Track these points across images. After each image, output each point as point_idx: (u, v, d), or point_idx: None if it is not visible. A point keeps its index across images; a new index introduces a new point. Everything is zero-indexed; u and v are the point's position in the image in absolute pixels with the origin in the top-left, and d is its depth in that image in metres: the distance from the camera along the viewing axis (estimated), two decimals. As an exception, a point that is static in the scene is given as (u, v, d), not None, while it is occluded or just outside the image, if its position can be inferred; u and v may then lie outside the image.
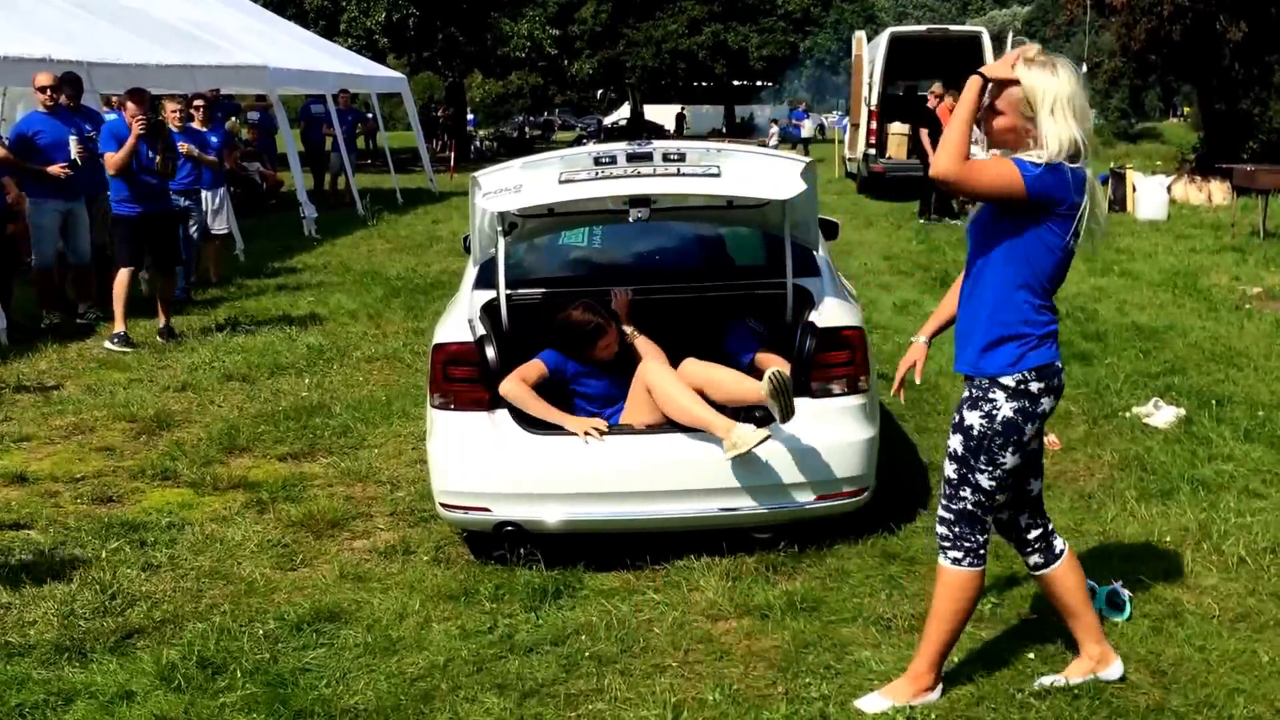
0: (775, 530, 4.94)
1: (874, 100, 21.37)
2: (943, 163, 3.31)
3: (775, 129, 35.71)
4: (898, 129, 21.15)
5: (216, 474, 6.14)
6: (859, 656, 4.08)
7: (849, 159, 25.45)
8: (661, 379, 4.86)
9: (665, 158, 4.78)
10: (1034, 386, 3.48)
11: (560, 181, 4.73)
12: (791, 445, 4.79)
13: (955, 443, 3.58)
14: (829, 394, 4.86)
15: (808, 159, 5.09)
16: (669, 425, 4.88)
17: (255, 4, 23.20)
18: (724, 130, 55.02)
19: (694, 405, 4.76)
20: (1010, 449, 3.51)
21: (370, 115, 23.02)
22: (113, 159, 8.85)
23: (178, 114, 10.60)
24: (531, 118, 56.25)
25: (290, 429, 6.92)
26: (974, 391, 3.55)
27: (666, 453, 4.81)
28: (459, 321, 5.06)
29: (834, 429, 4.85)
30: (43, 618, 4.46)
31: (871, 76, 21.52)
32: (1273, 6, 27.05)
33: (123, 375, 8.24)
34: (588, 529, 4.89)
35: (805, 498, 4.83)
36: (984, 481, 3.54)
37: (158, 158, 9.03)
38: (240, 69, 15.15)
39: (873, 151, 21.48)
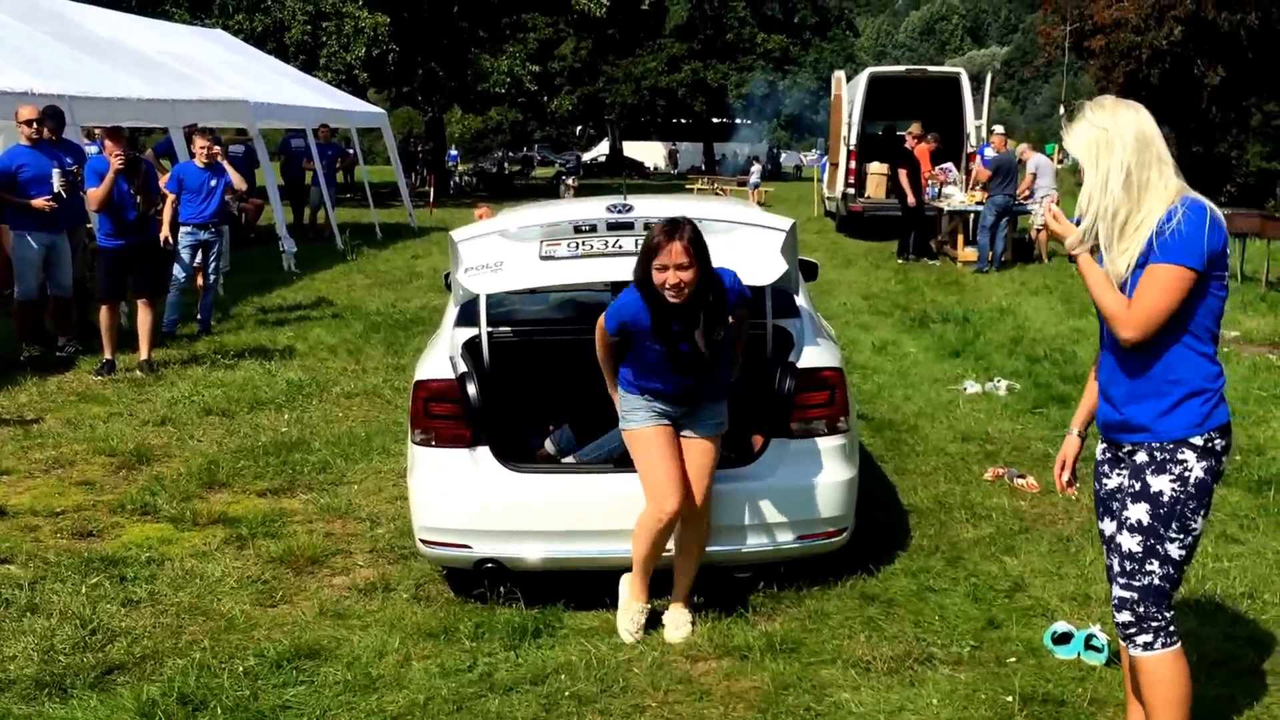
0: (755, 570, 5.00)
1: (853, 140, 21.59)
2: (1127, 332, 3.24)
3: (756, 167, 35.93)
4: (876, 169, 21.38)
5: (196, 509, 6.15)
6: (839, 698, 4.14)
7: (828, 198, 25.69)
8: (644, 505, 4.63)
9: (647, 227, 4.80)
10: (1218, 444, 3.32)
11: (541, 258, 4.77)
12: (772, 485, 4.86)
13: (1138, 513, 3.34)
14: (809, 434, 4.93)
15: (790, 224, 5.09)
16: None
17: (235, 38, 23.35)
18: (702, 168, 55.42)
19: (640, 563, 4.68)
20: (1202, 512, 3.33)
21: (350, 150, 23.13)
22: (93, 195, 8.93)
23: (205, 150, 10.74)
24: (510, 153, 56.50)
25: (270, 464, 6.94)
26: (1156, 455, 3.33)
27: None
28: (441, 359, 5.10)
29: (814, 469, 4.91)
30: (23, 653, 4.47)
31: (850, 116, 21.73)
32: (1250, 51, 27.65)
33: (102, 409, 8.24)
34: (568, 567, 4.93)
35: (785, 538, 4.89)
36: (1174, 551, 3.33)
37: (137, 195, 9.08)
38: (221, 103, 15.22)
39: (852, 191, 21.71)
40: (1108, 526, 3.56)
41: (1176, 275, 3.17)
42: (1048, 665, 4.38)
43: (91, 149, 11.05)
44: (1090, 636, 4.43)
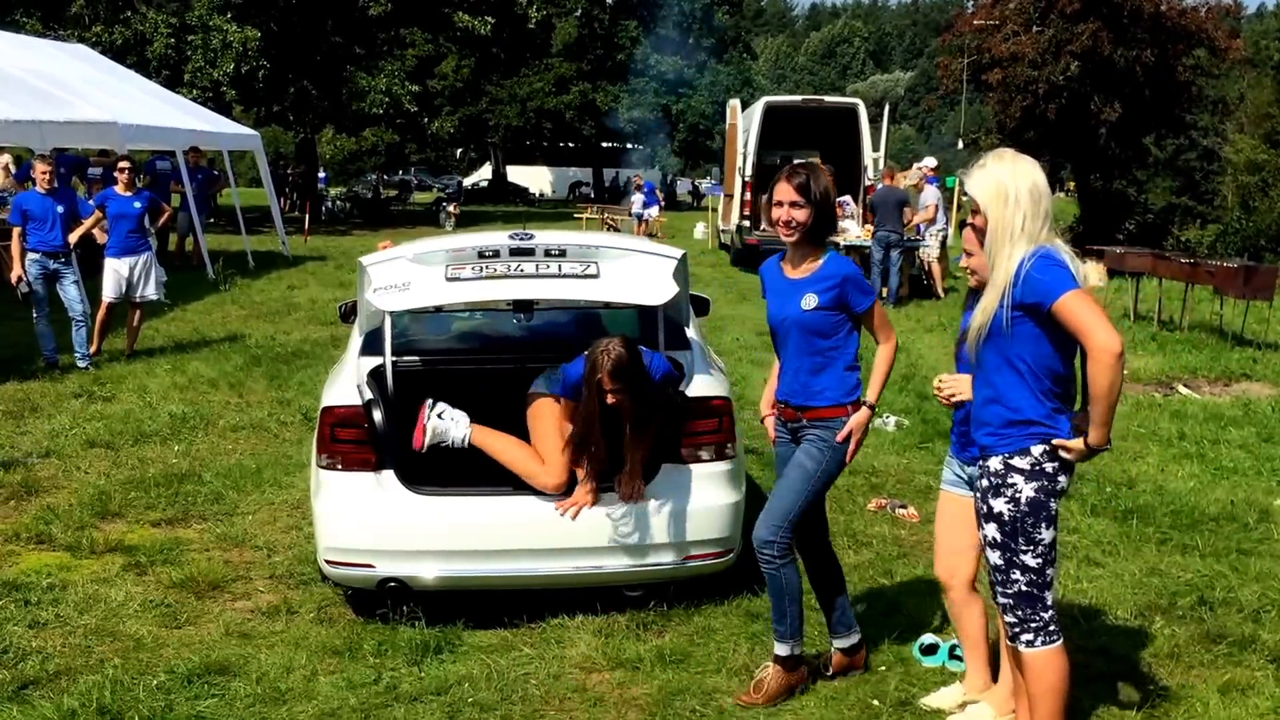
0: (646, 589, 5.69)
1: (749, 170, 22.24)
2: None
3: (639, 195, 35.99)
4: (773, 200, 22.07)
5: (92, 538, 6.63)
6: (723, 703, 4.85)
7: (723, 230, 26.33)
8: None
9: (547, 253, 5.52)
10: (1049, 467, 3.86)
11: (447, 279, 5.45)
12: (662, 507, 5.54)
13: (990, 531, 3.95)
14: (698, 460, 5.64)
15: (680, 253, 5.82)
16: None
17: (97, 53, 23.44)
18: (592, 195, 56.18)
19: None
20: (1044, 525, 3.88)
21: (217, 173, 23.36)
22: None
23: (47, 175, 11.09)
24: (385, 176, 56.44)
25: (162, 495, 7.44)
26: (992, 480, 3.93)
27: (542, 512, 5.49)
28: (347, 385, 5.72)
29: (702, 493, 5.62)
30: (-65, 671, 4.94)
31: (746, 146, 22.39)
32: (1146, 88, 29.39)
33: (-23, 442, 8.60)
34: (467, 585, 5.57)
35: (675, 557, 5.59)
36: (1030, 560, 3.90)
37: None
38: (90, 125, 15.48)
39: (747, 223, 22.29)
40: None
41: (1080, 294, 3.71)
42: (915, 673, 5.15)
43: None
44: (954, 647, 5.17)
